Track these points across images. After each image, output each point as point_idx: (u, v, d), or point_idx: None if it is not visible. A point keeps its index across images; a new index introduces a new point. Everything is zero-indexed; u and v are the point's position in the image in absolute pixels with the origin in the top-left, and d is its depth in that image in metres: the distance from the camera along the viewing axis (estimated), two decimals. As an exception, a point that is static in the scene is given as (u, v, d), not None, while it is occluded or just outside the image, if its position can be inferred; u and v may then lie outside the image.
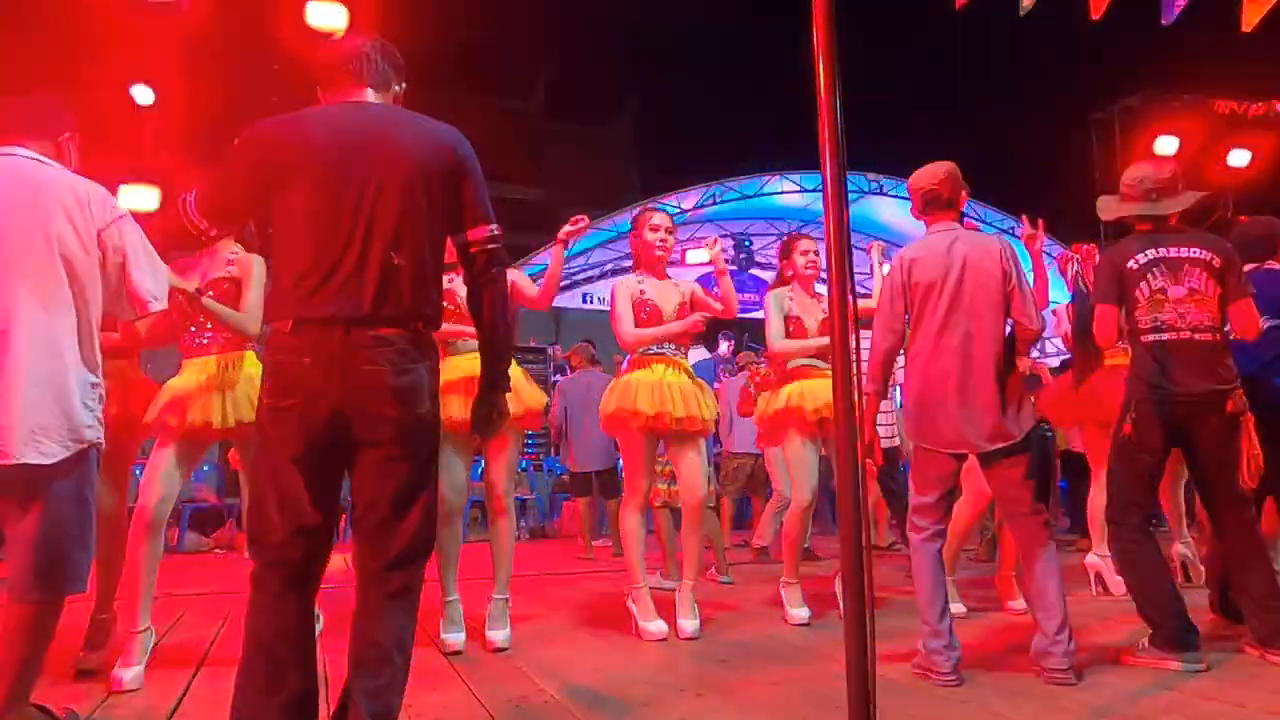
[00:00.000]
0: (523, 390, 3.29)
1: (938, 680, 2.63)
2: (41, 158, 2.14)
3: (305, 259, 1.72)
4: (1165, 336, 2.92)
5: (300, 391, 1.70)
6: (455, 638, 3.17)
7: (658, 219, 3.64)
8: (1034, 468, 2.79)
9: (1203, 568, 4.25)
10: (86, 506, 2.12)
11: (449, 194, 1.86)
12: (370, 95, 1.90)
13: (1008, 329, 2.83)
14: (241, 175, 1.82)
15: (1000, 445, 2.73)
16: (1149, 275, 2.95)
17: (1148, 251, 2.96)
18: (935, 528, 2.82)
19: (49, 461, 2.00)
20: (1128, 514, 2.97)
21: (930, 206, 2.95)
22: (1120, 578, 4.08)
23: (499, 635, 3.19)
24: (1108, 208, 3.11)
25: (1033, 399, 3.13)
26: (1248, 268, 3.34)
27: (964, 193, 2.97)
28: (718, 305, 3.63)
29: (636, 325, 3.53)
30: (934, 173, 2.94)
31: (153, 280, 2.21)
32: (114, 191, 2.21)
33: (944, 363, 2.77)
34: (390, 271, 1.75)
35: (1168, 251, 2.95)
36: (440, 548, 3.28)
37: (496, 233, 1.93)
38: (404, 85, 2.00)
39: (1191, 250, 2.95)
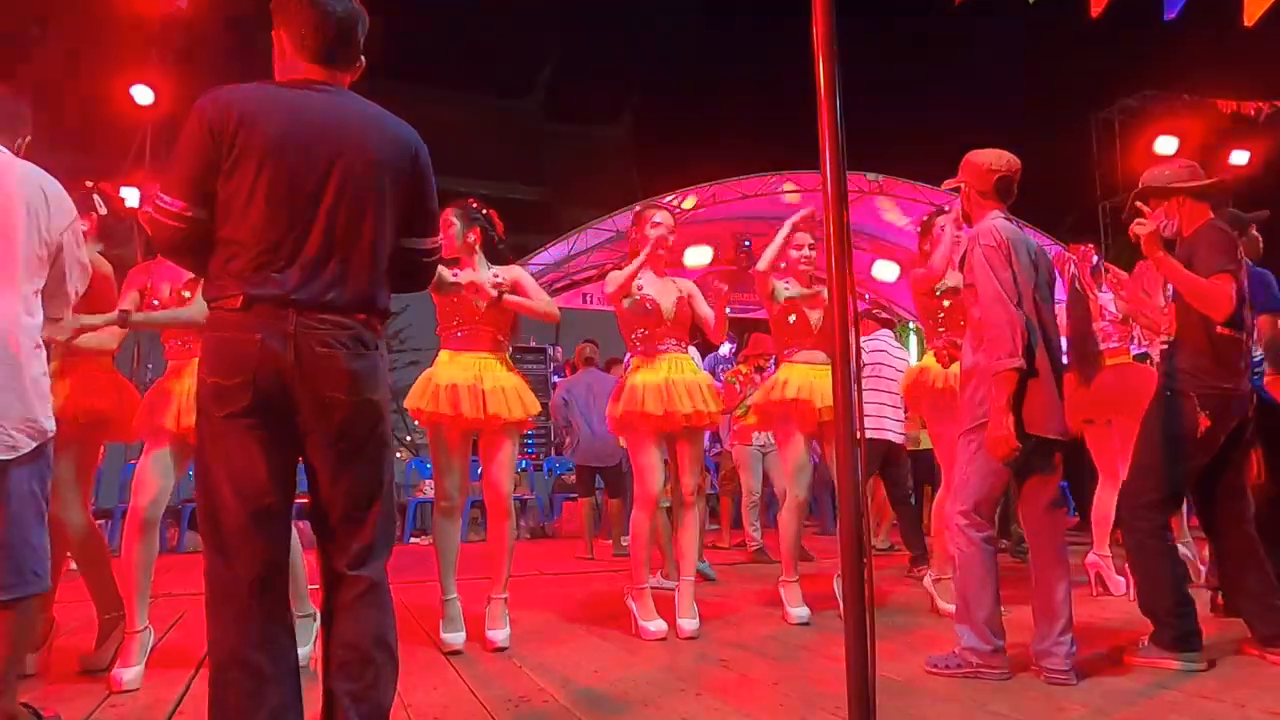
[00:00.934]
0: (522, 396, 3.30)
1: (992, 677, 2.63)
2: (3, 149, 2.14)
3: (260, 240, 1.66)
4: (1238, 334, 2.84)
5: (251, 368, 1.63)
6: (455, 637, 3.16)
7: (660, 217, 3.65)
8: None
9: (1203, 567, 4.26)
10: (41, 502, 2.09)
11: (408, 196, 1.84)
12: (335, 77, 1.82)
13: None
14: (198, 145, 1.68)
15: (1063, 438, 2.73)
16: (1243, 270, 2.87)
17: (1238, 249, 2.88)
18: (992, 527, 2.76)
19: (8, 456, 1.97)
20: (1155, 511, 2.89)
21: (999, 193, 2.86)
22: (1120, 578, 4.10)
23: (499, 635, 3.19)
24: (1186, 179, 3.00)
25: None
26: None
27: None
28: (709, 314, 3.63)
29: (635, 321, 3.56)
30: (1012, 160, 2.86)
31: (74, 286, 2.22)
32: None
33: (1044, 349, 2.70)
34: (347, 261, 1.72)
35: (1242, 252, 2.91)
36: (439, 547, 3.28)
37: (440, 244, 2.00)
38: (363, 60, 1.91)
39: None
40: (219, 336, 1.68)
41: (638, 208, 3.96)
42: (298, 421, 1.69)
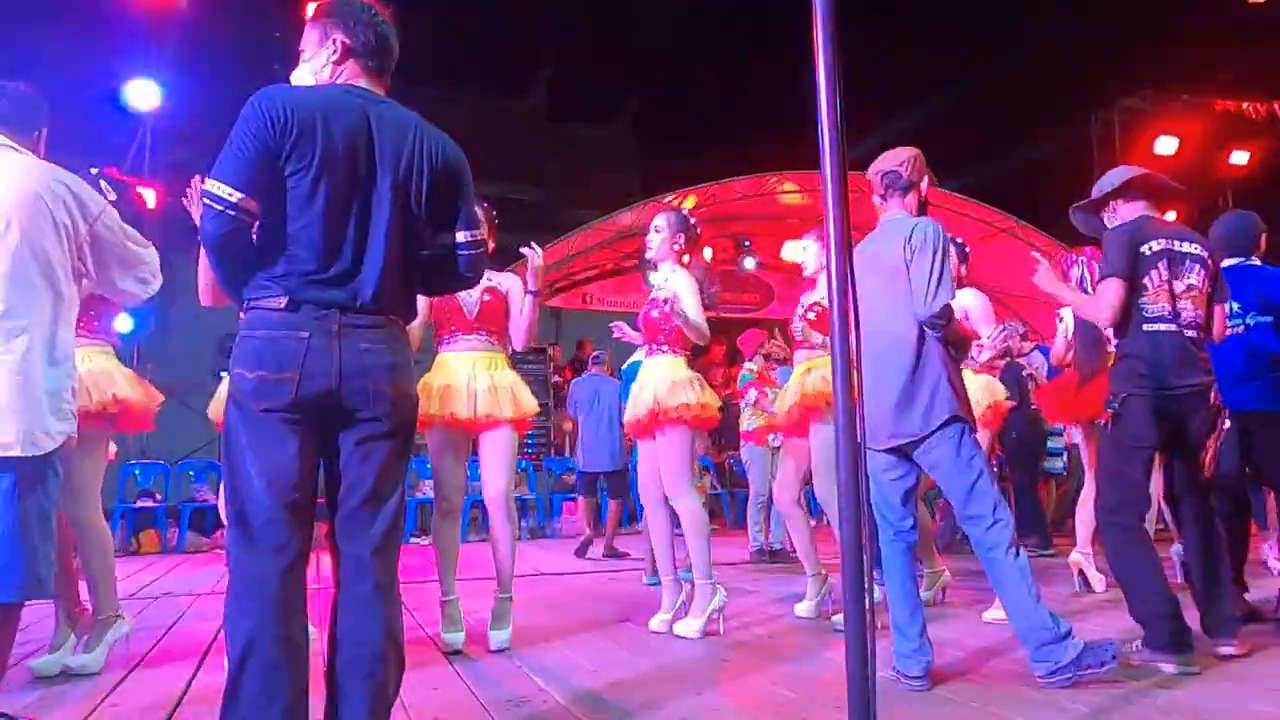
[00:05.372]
0: (517, 394, 3.30)
1: (905, 685, 2.61)
2: (19, 147, 2.13)
3: (312, 245, 1.70)
4: (1167, 328, 2.88)
5: (298, 365, 1.67)
6: (455, 637, 3.17)
7: (658, 220, 3.64)
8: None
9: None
10: (44, 508, 2.02)
11: (444, 195, 1.88)
12: (379, 85, 1.88)
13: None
14: (258, 136, 1.66)
15: (908, 440, 2.71)
16: (1159, 265, 2.90)
17: (1160, 240, 2.92)
18: (907, 524, 2.80)
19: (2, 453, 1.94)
20: (1122, 512, 2.90)
21: (891, 189, 2.89)
22: (1100, 574, 4.10)
23: (499, 635, 3.19)
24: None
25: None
26: (1230, 262, 3.39)
27: (928, 178, 2.92)
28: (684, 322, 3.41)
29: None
30: (896, 154, 2.90)
31: (137, 270, 2.20)
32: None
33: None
34: (385, 263, 1.76)
35: (1173, 245, 2.93)
36: (439, 548, 3.29)
37: (481, 238, 1.99)
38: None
39: (1193, 246, 2.96)
40: (266, 333, 1.70)
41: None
42: (336, 417, 1.73)
